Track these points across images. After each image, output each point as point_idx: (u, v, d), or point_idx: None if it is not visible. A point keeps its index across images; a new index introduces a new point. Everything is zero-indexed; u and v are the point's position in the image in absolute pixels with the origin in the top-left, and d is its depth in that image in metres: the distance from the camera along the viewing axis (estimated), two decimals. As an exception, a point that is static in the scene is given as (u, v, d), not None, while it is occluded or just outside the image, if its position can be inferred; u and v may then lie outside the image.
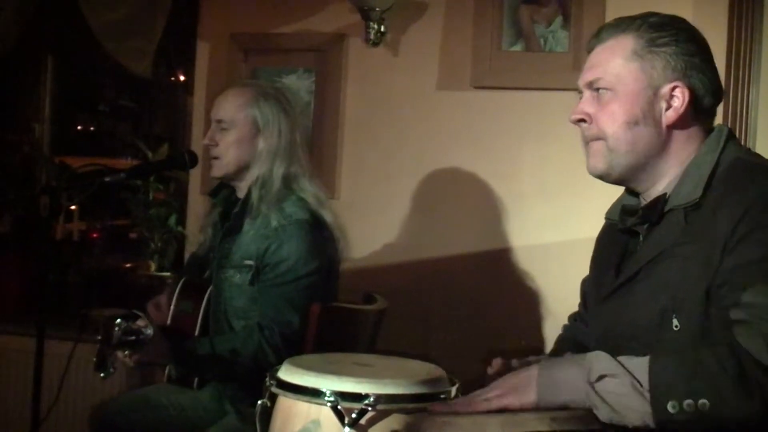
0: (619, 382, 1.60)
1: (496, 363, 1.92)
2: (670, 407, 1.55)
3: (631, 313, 1.82)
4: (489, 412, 1.65)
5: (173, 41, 4.05)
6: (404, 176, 3.65)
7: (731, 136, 1.88)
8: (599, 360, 1.65)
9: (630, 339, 1.78)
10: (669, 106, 1.84)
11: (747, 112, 3.26)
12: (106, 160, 4.67)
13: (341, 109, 3.75)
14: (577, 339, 2.20)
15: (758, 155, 1.95)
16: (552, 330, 3.30)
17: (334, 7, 3.72)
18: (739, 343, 1.59)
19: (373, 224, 3.65)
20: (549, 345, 3.22)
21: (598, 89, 1.88)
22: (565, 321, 2.34)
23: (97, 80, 4.71)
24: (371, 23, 3.55)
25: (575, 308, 2.30)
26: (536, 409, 1.62)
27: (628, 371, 1.60)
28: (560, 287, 3.32)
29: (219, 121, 2.83)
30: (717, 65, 1.92)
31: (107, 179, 2.69)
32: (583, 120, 1.90)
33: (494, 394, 1.70)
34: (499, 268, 3.52)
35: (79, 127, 5.05)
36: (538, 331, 3.43)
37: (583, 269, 2.16)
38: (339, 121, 3.74)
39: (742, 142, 3.22)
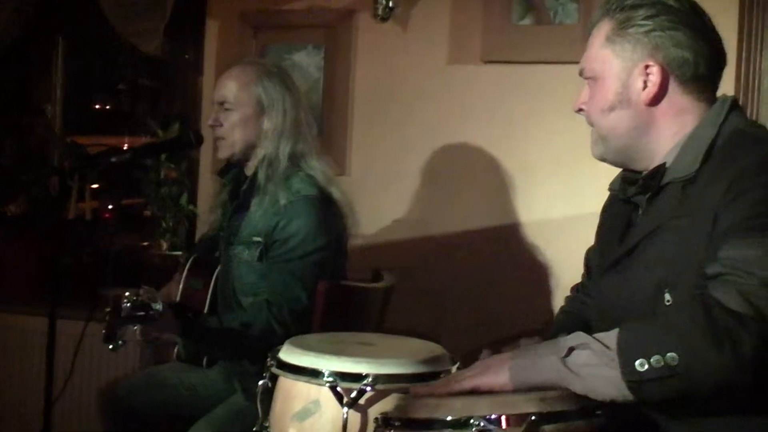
0: (590, 353, 1.57)
1: (486, 354, 1.91)
2: (638, 365, 1.51)
3: (629, 287, 1.81)
4: (473, 393, 1.64)
5: (184, 20, 4.03)
6: (414, 152, 3.63)
7: (734, 106, 1.85)
8: (571, 336, 1.62)
9: (628, 312, 1.76)
10: (645, 86, 1.83)
11: (758, 81, 3.21)
12: (119, 139, 4.71)
13: (351, 86, 3.74)
14: (574, 311, 2.21)
15: (760, 126, 1.93)
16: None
17: (343, -17, 3.70)
18: (710, 295, 1.56)
19: (384, 200, 3.65)
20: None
21: (587, 78, 1.92)
22: (575, 293, 2.33)
23: (112, 59, 4.70)
24: (380, -2, 3.53)
25: (584, 283, 2.29)
26: (518, 390, 1.61)
27: (597, 340, 1.58)
28: (571, 260, 3.23)
29: (222, 103, 2.82)
30: (727, 34, 1.91)
31: (113, 159, 2.68)
32: (581, 109, 1.95)
33: (467, 375, 1.69)
34: (509, 243, 3.51)
35: (97, 106, 5.07)
36: (549, 305, 3.42)
37: (592, 243, 2.15)
38: (349, 97, 3.73)
39: (753, 112, 3.18)
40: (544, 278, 3.45)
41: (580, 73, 1.94)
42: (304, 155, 2.79)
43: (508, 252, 3.51)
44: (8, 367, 4.07)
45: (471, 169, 3.57)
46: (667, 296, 1.70)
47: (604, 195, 2.13)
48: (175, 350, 2.98)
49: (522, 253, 3.49)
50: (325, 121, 3.71)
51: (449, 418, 1.54)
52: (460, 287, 3.53)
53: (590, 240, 2.17)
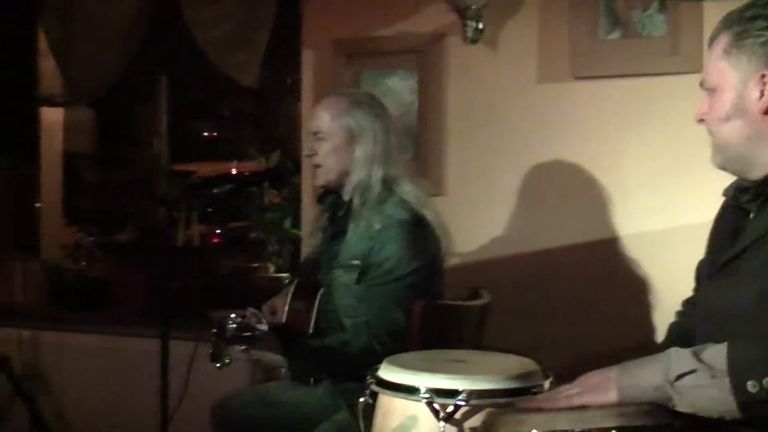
0: (697, 376, 1.61)
1: None
2: (750, 387, 1.56)
3: (734, 293, 1.82)
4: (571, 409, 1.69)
5: (281, 48, 4.17)
6: (509, 170, 3.67)
7: None
8: (678, 358, 1.66)
9: (731, 319, 1.79)
10: (761, 95, 1.85)
11: None
12: (225, 165, 4.89)
13: (444, 107, 3.79)
14: (686, 325, 2.21)
15: None
16: (661, 319, 3.29)
17: (432, 8, 3.76)
18: None
19: (480, 219, 3.69)
20: (659, 335, 3.20)
21: (706, 90, 1.96)
22: (676, 308, 2.35)
23: (215, 88, 4.88)
24: (468, 21, 3.58)
25: (685, 296, 2.31)
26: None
27: (704, 363, 1.62)
28: (668, 276, 3.31)
29: (316, 133, 2.95)
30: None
31: (215, 190, 2.81)
32: (702, 120, 1.98)
33: (575, 392, 1.73)
34: (605, 259, 3.52)
35: (202, 134, 5.27)
36: (647, 320, 3.41)
37: (691, 256, 2.18)
38: (442, 119, 3.79)
39: None
40: (641, 293, 3.45)
41: (701, 85, 1.98)
42: (397, 179, 2.88)
43: (605, 268, 3.52)
44: (124, 387, 4.24)
45: (565, 186, 3.60)
46: None
47: (699, 206, 2.16)
48: (283, 369, 3.09)
49: (618, 268, 3.50)
50: (421, 143, 3.79)
51: (533, 432, 1.60)
52: (557, 304, 3.55)
53: (686, 253, 2.20)
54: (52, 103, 4.41)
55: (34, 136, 4.05)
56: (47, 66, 4.30)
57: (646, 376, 1.68)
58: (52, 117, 4.79)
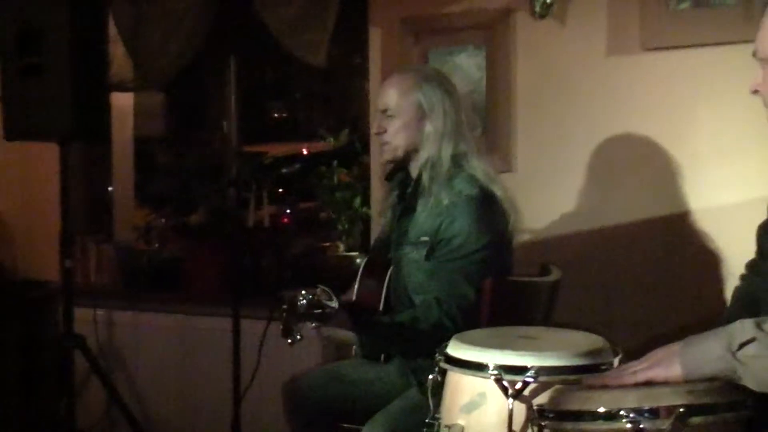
0: (758, 345, 1.58)
1: None
2: None
3: None
4: (636, 385, 1.68)
5: (349, 27, 4.17)
6: (579, 145, 3.63)
7: None
8: (741, 328, 1.63)
9: None
10: None
11: None
12: (296, 146, 4.93)
13: (513, 83, 3.77)
14: (750, 289, 2.20)
15: None
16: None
17: (499, -17, 3.74)
18: None
19: (550, 194, 3.67)
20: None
21: (760, 60, 1.91)
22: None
23: (285, 69, 4.92)
24: (536, -5, 3.56)
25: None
26: (680, 382, 1.63)
27: (765, 332, 1.59)
28: (741, 247, 3.18)
29: (385, 110, 2.94)
30: None
31: (284, 170, 2.84)
32: (756, 91, 1.94)
33: (640, 367, 1.72)
34: (676, 233, 3.47)
35: (273, 115, 5.31)
36: (719, 294, 3.35)
37: (764, 228, 2.14)
38: (511, 94, 3.77)
39: None
40: (714, 267, 3.39)
41: (754, 54, 1.93)
42: (466, 155, 2.87)
43: (676, 242, 3.47)
44: (197, 365, 4.34)
45: (636, 159, 3.55)
46: None
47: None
48: (354, 348, 3.12)
49: (690, 242, 3.45)
50: (489, 119, 3.77)
51: (600, 409, 1.59)
52: (628, 279, 3.52)
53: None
54: (122, 88, 4.48)
55: (106, 121, 4.12)
56: (117, 52, 4.37)
57: (709, 348, 1.65)
58: (123, 102, 4.87)
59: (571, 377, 1.87)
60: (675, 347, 1.71)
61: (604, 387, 1.72)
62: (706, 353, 1.65)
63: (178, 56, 4.27)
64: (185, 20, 4.23)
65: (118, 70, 4.37)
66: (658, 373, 1.68)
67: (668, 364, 1.68)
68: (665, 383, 1.65)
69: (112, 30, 4.36)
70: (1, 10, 3.99)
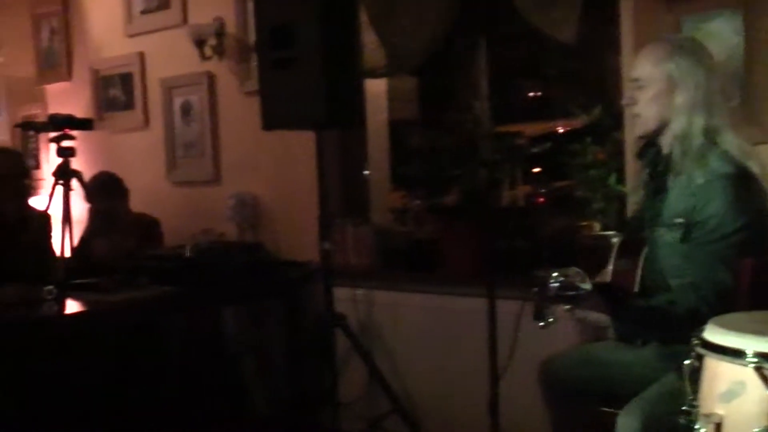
0: None
1: None
2: None
3: None
4: None
5: (598, 3, 4.08)
6: None
7: None
8: None
9: None
10: None
11: None
12: (548, 124, 4.88)
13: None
14: None
15: None
16: None
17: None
18: None
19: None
20: None
21: None
22: None
23: (537, 47, 4.87)
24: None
25: None
26: None
27: None
28: None
29: (636, 80, 2.87)
30: None
31: (534, 149, 2.82)
32: None
33: None
34: None
35: (529, 94, 5.29)
36: None
37: None
38: (774, 59, 3.55)
39: None
40: None
41: None
42: (719, 129, 2.75)
43: None
44: (454, 344, 4.40)
45: None
46: None
47: None
48: (609, 330, 3.05)
49: None
50: (748, 88, 3.56)
51: None
52: None
53: None
54: (374, 74, 4.59)
55: (359, 108, 4.24)
56: (369, 39, 4.47)
57: None
58: (376, 87, 4.98)
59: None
60: None
61: None
62: None
63: (428, 40, 4.32)
64: (434, 3, 4.27)
65: (370, 56, 4.48)
66: None
67: None
68: None
69: (363, 17, 4.47)
70: (257, 9, 4.20)
